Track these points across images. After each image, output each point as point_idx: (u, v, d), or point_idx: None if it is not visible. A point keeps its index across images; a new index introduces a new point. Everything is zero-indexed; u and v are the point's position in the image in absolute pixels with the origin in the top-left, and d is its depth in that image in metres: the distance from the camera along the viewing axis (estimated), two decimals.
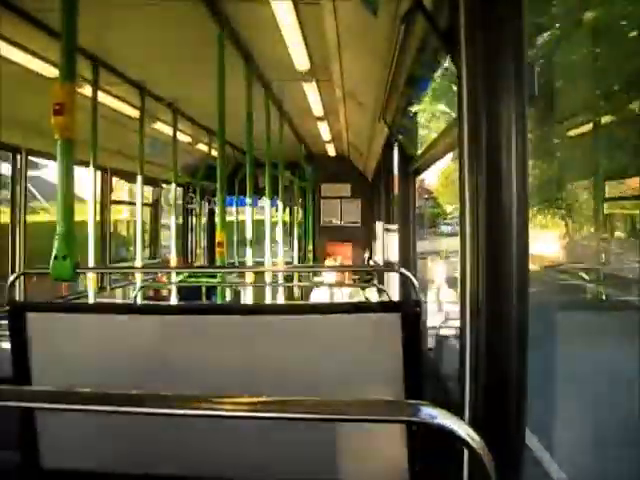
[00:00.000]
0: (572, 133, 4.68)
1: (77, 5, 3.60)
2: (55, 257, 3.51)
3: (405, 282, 3.83)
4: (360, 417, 1.18)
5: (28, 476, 2.66)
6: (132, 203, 10.65)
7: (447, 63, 3.53)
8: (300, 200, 15.26)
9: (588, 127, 4.38)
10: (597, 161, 4.68)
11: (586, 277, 5.31)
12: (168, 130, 8.87)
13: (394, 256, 6.69)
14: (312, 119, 9.38)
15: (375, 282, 8.82)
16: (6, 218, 7.01)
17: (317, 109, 8.60)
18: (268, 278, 8.09)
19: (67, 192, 3.57)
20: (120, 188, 11.09)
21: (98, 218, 8.10)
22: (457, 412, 1.34)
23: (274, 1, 4.54)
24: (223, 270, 6.79)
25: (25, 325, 2.67)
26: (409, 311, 2.49)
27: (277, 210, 10.96)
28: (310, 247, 14.97)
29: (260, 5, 4.67)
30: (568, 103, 4.33)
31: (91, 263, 6.59)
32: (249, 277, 7.44)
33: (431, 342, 4.69)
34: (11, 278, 3.08)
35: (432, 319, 5.23)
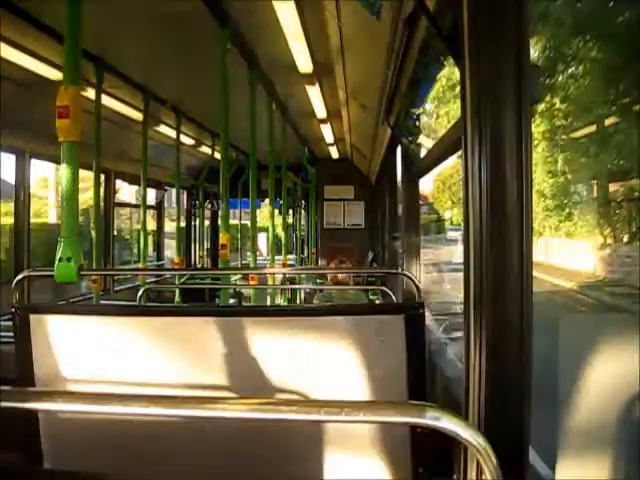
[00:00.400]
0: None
1: (81, 8, 3.61)
2: (59, 259, 3.51)
3: (409, 284, 3.83)
4: (365, 418, 1.19)
5: (31, 477, 2.66)
6: (136, 205, 10.67)
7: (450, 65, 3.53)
8: (303, 202, 15.26)
9: None
10: None
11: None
12: (171, 133, 8.88)
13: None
14: (315, 121, 9.38)
15: (379, 285, 8.81)
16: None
17: (320, 111, 8.60)
18: (271, 280, 8.09)
19: (72, 195, 3.58)
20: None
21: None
22: (460, 414, 1.35)
23: (278, 3, 4.54)
24: (226, 272, 6.79)
25: (29, 327, 2.68)
26: (412, 313, 2.50)
27: (280, 212, 10.96)
28: (313, 249, 14.97)
29: (264, 8, 4.68)
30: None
31: (94, 265, 6.60)
32: (252, 279, 7.44)
33: (435, 344, 4.69)
34: (16, 280, 3.09)
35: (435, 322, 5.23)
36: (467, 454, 1.81)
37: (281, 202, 10.53)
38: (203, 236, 14.15)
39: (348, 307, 4.08)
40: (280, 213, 10.73)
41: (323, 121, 9.36)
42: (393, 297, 5.21)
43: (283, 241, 10.14)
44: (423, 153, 5.43)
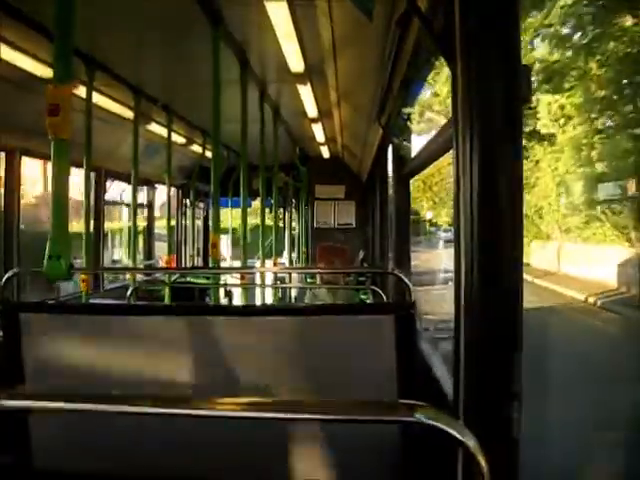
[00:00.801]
0: None
1: (72, 6, 3.60)
2: (49, 257, 3.50)
3: (399, 284, 3.83)
4: (356, 417, 1.19)
5: (21, 477, 2.65)
6: (126, 204, 10.64)
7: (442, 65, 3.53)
8: (294, 201, 15.26)
9: None
10: None
11: None
12: (162, 131, 8.87)
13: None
14: (307, 121, 9.38)
15: (369, 284, 8.82)
16: None
17: (312, 111, 8.60)
18: (261, 280, 8.09)
19: (61, 193, 3.57)
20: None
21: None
22: (450, 413, 1.35)
23: (269, 3, 4.54)
24: (217, 271, 6.78)
25: (18, 325, 2.67)
26: (403, 313, 2.50)
27: (271, 211, 10.96)
28: (304, 249, 14.97)
29: (255, 7, 4.67)
30: None
31: (84, 264, 6.58)
32: (243, 279, 7.44)
33: (425, 343, 4.69)
34: (4, 277, 3.07)
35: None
36: (457, 453, 1.81)
37: (272, 201, 10.53)
38: (194, 235, 14.13)
39: (338, 307, 4.09)
40: (271, 212, 10.73)
41: (314, 120, 9.37)
42: (384, 296, 5.21)
43: (273, 241, 10.13)
44: (414, 153, 5.44)
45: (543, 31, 15.57)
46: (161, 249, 12.03)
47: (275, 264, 10.01)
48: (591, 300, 13.61)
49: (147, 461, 2.52)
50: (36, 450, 2.64)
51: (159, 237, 12.69)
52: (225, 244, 16.14)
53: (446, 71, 2.07)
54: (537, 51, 16.43)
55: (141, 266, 10.95)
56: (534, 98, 15.23)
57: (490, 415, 1.85)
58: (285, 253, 15.13)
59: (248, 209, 7.58)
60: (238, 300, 8.83)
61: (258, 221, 9.93)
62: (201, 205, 14.00)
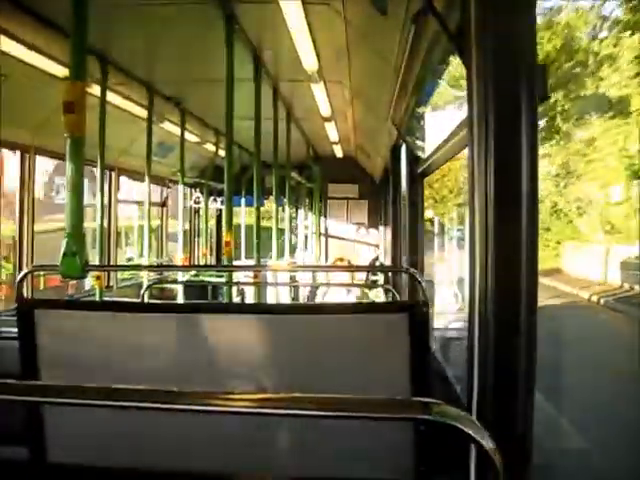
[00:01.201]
0: None
1: (87, 5, 3.61)
2: (64, 255, 3.51)
3: (413, 283, 3.83)
4: (371, 415, 1.19)
5: (35, 471, 2.67)
6: (140, 202, 10.67)
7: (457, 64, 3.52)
8: (307, 200, 15.26)
9: None
10: None
11: None
12: (176, 130, 8.89)
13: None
14: (320, 120, 9.38)
15: (382, 283, 8.81)
16: None
17: (325, 110, 8.60)
18: (275, 278, 8.10)
19: (77, 191, 3.58)
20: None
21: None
22: (464, 411, 1.34)
23: (283, 1, 4.54)
24: (230, 269, 6.80)
25: (33, 322, 2.68)
26: (417, 312, 2.49)
27: (283, 210, 10.96)
28: (316, 247, 14.97)
29: (269, 5, 4.68)
30: None
31: (98, 262, 6.62)
32: (256, 277, 7.45)
33: (438, 342, 4.68)
34: (20, 276, 3.09)
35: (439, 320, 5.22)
36: (470, 452, 1.81)
37: (285, 200, 10.54)
38: (207, 234, 14.15)
39: (352, 305, 4.09)
40: (284, 211, 10.74)
41: (328, 119, 9.36)
42: (397, 295, 5.21)
43: (287, 240, 10.14)
44: (428, 152, 5.43)
45: None
46: (174, 249, 12.06)
47: (288, 263, 10.02)
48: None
49: (160, 455, 2.52)
50: (50, 444, 2.66)
51: (171, 236, 12.73)
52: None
53: None
54: None
55: (155, 264, 10.98)
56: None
57: (504, 414, 1.85)
58: (298, 251, 15.14)
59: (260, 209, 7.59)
60: (251, 298, 8.84)
61: (269, 222, 9.95)
62: (214, 203, 14.02)
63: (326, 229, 15.07)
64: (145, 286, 5.47)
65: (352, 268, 12.48)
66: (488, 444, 1.11)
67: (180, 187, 9.74)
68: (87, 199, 4.09)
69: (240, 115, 5.61)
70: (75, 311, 2.82)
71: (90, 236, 6.76)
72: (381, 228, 13.25)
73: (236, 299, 9.47)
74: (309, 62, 6.11)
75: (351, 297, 10.36)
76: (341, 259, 14.27)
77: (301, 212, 15.68)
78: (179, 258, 9.68)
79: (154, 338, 2.66)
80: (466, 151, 2.16)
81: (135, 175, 9.87)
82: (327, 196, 14.94)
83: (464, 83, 2.11)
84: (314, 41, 5.46)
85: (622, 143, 15.46)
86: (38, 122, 6.46)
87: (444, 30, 2.58)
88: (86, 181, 3.92)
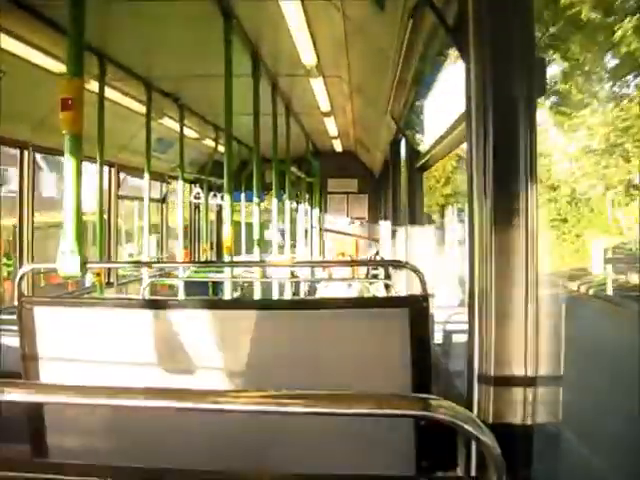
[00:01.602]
0: None
1: (84, 1, 3.60)
2: (63, 253, 3.50)
3: (413, 277, 3.82)
4: (371, 411, 1.19)
5: (37, 470, 2.67)
6: (140, 198, 10.66)
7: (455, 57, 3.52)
8: (307, 195, 15.24)
9: None
10: None
11: None
12: (175, 126, 8.88)
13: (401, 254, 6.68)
14: (319, 114, 9.37)
15: (382, 277, 8.81)
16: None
17: (324, 104, 8.59)
18: (275, 273, 8.09)
19: (75, 188, 3.57)
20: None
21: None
22: (465, 407, 1.34)
23: None
24: (230, 265, 6.79)
25: (34, 320, 2.68)
26: (417, 306, 2.49)
27: (284, 205, 10.95)
28: (317, 242, 14.97)
29: (267, 0, 4.67)
30: None
31: (98, 258, 6.61)
32: (256, 272, 7.45)
33: (439, 337, 4.69)
34: (19, 273, 3.09)
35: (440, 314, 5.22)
36: (471, 448, 1.81)
37: (284, 195, 10.53)
38: (207, 229, 14.14)
39: (352, 300, 4.08)
40: (284, 206, 10.73)
41: (327, 114, 9.35)
42: (397, 289, 5.21)
43: (287, 235, 10.14)
44: (427, 146, 5.42)
45: None
46: (175, 246, 12.06)
47: (288, 258, 10.01)
48: None
49: (161, 453, 2.53)
50: (52, 443, 2.66)
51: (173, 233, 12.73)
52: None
53: None
54: None
55: (155, 260, 10.97)
56: None
57: (505, 410, 1.85)
58: (298, 246, 15.13)
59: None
60: (251, 294, 8.84)
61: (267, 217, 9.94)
62: (214, 199, 14.00)
63: (322, 224, 15.05)
64: (145, 282, 5.47)
65: (352, 263, 12.47)
66: (488, 440, 1.11)
67: (180, 183, 9.73)
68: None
69: (239, 110, 5.60)
70: (75, 308, 2.82)
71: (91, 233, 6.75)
72: (381, 222, 13.24)
73: (236, 295, 9.47)
74: (308, 57, 6.10)
75: (353, 292, 10.36)
76: (343, 254, 14.28)
77: (301, 207, 15.67)
78: (179, 254, 9.67)
79: (155, 334, 2.66)
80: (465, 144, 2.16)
81: (135, 171, 9.86)
82: (327, 191, 14.93)
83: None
84: (312, 36, 5.45)
85: None
86: (37, 119, 6.45)
87: (442, 24, 2.57)
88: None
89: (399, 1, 3.80)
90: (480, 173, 1.93)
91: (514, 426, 1.82)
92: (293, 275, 9.38)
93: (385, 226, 11.63)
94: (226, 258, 6.00)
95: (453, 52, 3.05)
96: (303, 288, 11.85)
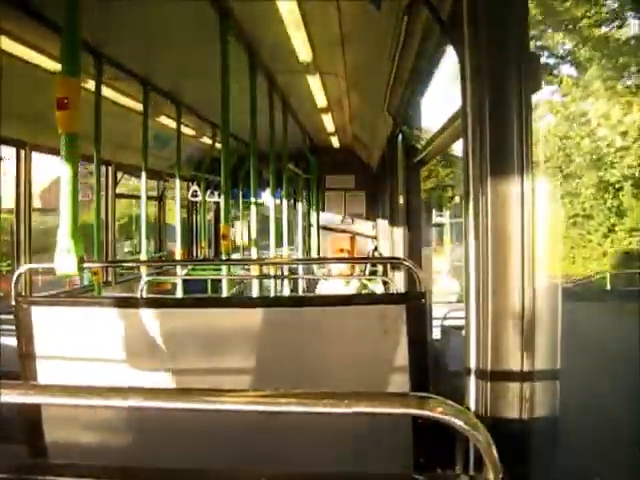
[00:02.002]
0: None
1: (80, 0, 3.60)
2: (60, 252, 3.50)
3: (410, 274, 3.83)
4: (367, 410, 1.19)
5: (35, 470, 2.67)
6: (137, 197, 10.65)
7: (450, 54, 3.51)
8: (304, 192, 15.24)
9: None
10: None
11: None
12: (172, 124, 8.87)
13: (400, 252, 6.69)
14: (316, 111, 9.36)
15: (380, 274, 8.82)
16: None
17: (321, 101, 8.58)
18: (273, 271, 8.09)
19: (71, 187, 3.57)
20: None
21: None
22: (462, 404, 1.35)
23: None
24: (228, 263, 6.79)
25: (31, 319, 2.68)
26: (414, 303, 2.49)
27: (281, 202, 10.94)
28: (315, 239, 14.96)
29: None
30: None
31: (95, 257, 6.61)
32: (254, 270, 7.45)
33: (437, 333, 4.69)
34: (17, 273, 3.09)
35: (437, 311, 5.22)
36: (469, 446, 1.81)
37: (282, 192, 10.52)
38: (205, 227, 14.15)
39: (349, 297, 4.09)
40: (281, 203, 10.72)
41: (324, 110, 9.33)
42: (395, 286, 5.21)
43: (285, 232, 10.13)
44: (424, 142, 5.42)
45: None
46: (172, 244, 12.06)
47: (286, 255, 10.01)
48: None
49: (160, 453, 2.53)
50: (50, 444, 2.66)
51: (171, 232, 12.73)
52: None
53: None
54: None
55: (152, 259, 10.97)
56: None
57: (502, 408, 1.85)
58: (296, 244, 15.13)
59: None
60: (249, 291, 8.85)
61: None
62: (212, 197, 14.00)
63: (319, 221, 15.03)
64: (143, 281, 5.47)
65: (349, 260, 12.47)
66: (485, 438, 1.11)
67: (177, 181, 9.72)
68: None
69: (236, 108, 5.59)
70: (73, 307, 2.82)
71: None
72: (379, 219, 13.24)
73: (234, 292, 9.46)
74: (304, 54, 6.10)
75: (350, 289, 10.36)
76: (342, 250, 14.25)
77: (299, 204, 15.65)
78: (177, 252, 9.67)
79: (153, 333, 2.66)
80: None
81: (132, 169, 9.85)
82: (325, 187, 14.92)
83: None
84: (309, 33, 5.44)
85: None
86: (34, 118, 6.44)
87: (436, 20, 2.57)
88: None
89: None
90: (476, 169, 1.93)
91: (511, 423, 1.83)
92: (291, 272, 9.39)
93: (383, 222, 11.63)
94: (224, 256, 6.00)
95: (449, 48, 3.05)
96: (301, 285, 11.85)
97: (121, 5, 4.87)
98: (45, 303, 2.82)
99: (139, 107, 7.73)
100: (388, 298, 3.18)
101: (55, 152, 5.71)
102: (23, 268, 3.85)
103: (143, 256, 8.35)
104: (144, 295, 5.27)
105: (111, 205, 9.43)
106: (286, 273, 8.96)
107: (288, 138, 9.30)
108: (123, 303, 2.97)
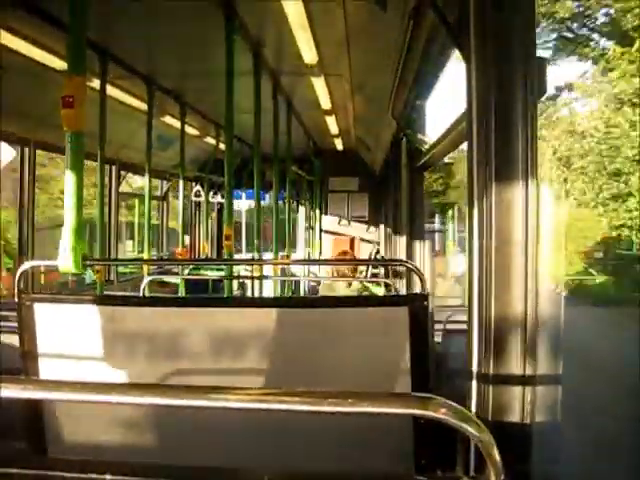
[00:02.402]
0: None
1: None
2: (63, 250, 3.51)
3: (413, 276, 3.83)
4: (368, 410, 1.19)
5: (36, 466, 2.67)
6: (140, 196, 10.67)
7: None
8: (307, 195, 15.24)
9: None
10: None
11: None
12: (176, 124, 8.88)
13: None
14: (320, 113, 9.36)
15: (382, 276, 8.82)
16: None
17: (325, 103, 8.58)
18: (275, 272, 8.10)
19: (76, 185, 3.57)
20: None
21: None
22: (464, 406, 1.35)
23: None
24: (230, 263, 6.80)
25: (34, 316, 2.69)
26: (417, 305, 2.50)
27: (284, 204, 10.95)
28: (317, 241, 14.96)
29: None
30: None
31: (98, 256, 6.62)
32: (256, 270, 7.46)
33: (439, 335, 4.68)
34: (20, 270, 3.09)
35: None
36: (470, 448, 1.81)
37: (285, 194, 10.52)
38: (207, 227, 14.14)
39: (352, 299, 4.09)
40: (285, 205, 10.73)
41: (328, 113, 9.33)
42: (397, 288, 5.21)
43: (288, 234, 10.13)
44: (428, 146, 5.42)
45: None
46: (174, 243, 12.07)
47: (289, 257, 10.02)
48: None
49: (160, 449, 2.53)
50: (51, 439, 2.66)
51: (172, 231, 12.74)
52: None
53: None
54: None
55: (155, 258, 10.98)
56: None
57: (504, 409, 1.85)
58: (299, 246, 15.13)
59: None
60: (251, 292, 8.85)
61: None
62: (215, 197, 14.01)
63: (322, 224, 15.02)
64: (145, 280, 5.47)
65: (351, 262, 12.45)
66: (486, 439, 1.11)
67: (180, 181, 9.74)
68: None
69: (240, 108, 5.59)
70: (75, 305, 2.82)
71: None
72: (382, 222, 13.23)
73: (236, 293, 9.47)
74: (309, 55, 6.10)
75: (353, 291, 10.35)
76: (345, 252, 14.24)
77: (302, 206, 15.65)
78: (179, 252, 9.68)
79: (154, 332, 2.66)
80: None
81: (136, 169, 9.87)
82: (328, 190, 14.92)
83: None
84: (314, 34, 5.44)
85: None
86: (38, 116, 6.45)
87: (443, 23, 2.57)
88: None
89: (401, 0, 3.80)
90: (481, 173, 1.93)
91: (513, 425, 1.83)
92: (293, 274, 9.39)
93: (385, 225, 11.62)
94: (226, 256, 6.00)
95: (455, 52, 3.05)
96: (303, 287, 11.85)
97: (126, 4, 4.88)
98: (47, 300, 2.82)
99: (143, 106, 7.74)
100: (391, 300, 3.19)
101: (60, 150, 5.72)
102: (26, 265, 3.85)
103: (146, 255, 8.36)
104: (146, 294, 5.27)
105: (114, 204, 9.44)
106: (288, 274, 8.96)
107: (292, 140, 9.31)
108: (125, 301, 2.98)
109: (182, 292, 8.54)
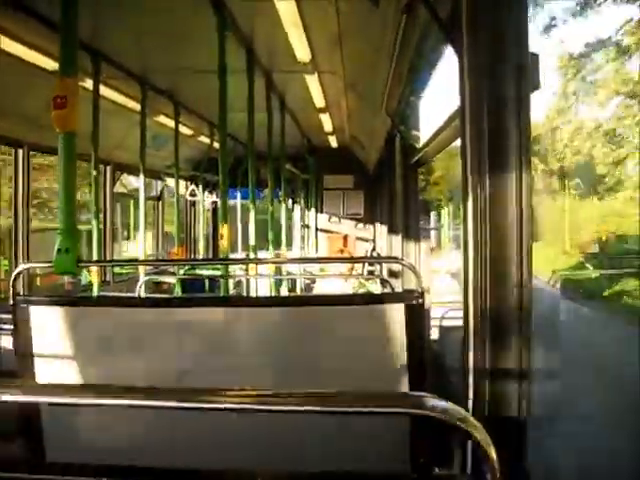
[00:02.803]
0: None
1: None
2: (58, 251, 3.50)
3: (408, 273, 3.83)
4: (365, 409, 1.18)
5: (33, 469, 2.67)
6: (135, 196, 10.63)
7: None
8: (302, 192, 15.24)
9: None
10: None
11: None
12: (170, 123, 8.86)
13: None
14: (314, 111, 9.35)
15: (378, 273, 8.82)
16: None
17: (319, 100, 8.57)
18: (271, 270, 8.09)
19: (69, 186, 3.56)
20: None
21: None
22: (460, 403, 1.35)
23: None
24: (226, 262, 6.79)
25: (29, 319, 2.68)
26: (413, 302, 2.49)
27: (280, 202, 10.94)
28: (313, 239, 14.96)
29: None
30: None
31: (94, 257, 6.61)
32: (252, 269, 7.45)
33: (435, 332, 4.69)
34: (15, 272, 3.08)
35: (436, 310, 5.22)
36: (467, 445, 1.81)
37: (280, 192, 10.51)
38: (203, 226, 14.13)
39: (348, 297, 4.09)
40: (280, 203, 10.72)
41: (322, 110, 9.33)
42: (393, 286, 5.20)
43: (283, 232, 10.12)
44: (422, 142, 5.42)
45: None
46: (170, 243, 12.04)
47: (284, 255, 10.01)
48: None
49: (158, 452, 2.52)
50: (48, 442, 2.66)
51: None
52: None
53: None
54: None
55: (150, 258, 10.96)
56: None
57: (499, 406, 1.85)
58: (294, 244, 15.12)
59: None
60: (247, 291, 8.84)
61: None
62: (210, 196, 13.99)
63: (317, 222, 15.02)
64: (141, 280, 5.46)
65: (347, 259, 12.47)
66: (482, 437, 1.11)
67: (175, 180, 9.72)
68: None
69: (234, 107, 5.59)
70: (71, 307, 2.81)
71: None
72: (377, 219, 13.23)
73: (232, 292, 9.46)
74: (302, 53, 6.09)
75: (348, 289, 10.36)
76: (342, 250, 14.25)
77: (297, 204, 15.65)
78: (174, 252, 9.67)
79: (151, 332, 2.66)
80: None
81: (130, 169, 9.85)
82: (323, 187, 14.91)
83: None
84: (307, 32, 5.44)
85: None
86: (32, 117, 6.43)
87: (435, 19, 2.57)
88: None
89: None
90: (474, 168, 1.93)
91: (509, 422, 1.83)
92: (288, 272, 9.38)
93: (380, 222, 11.63)
94: (222, 256, 5.99)
95: (448, 48, 3.04)
96: (299, 285, 11.85)
97: (117, 3, 4.87)
98: (43, 302, 2.81)
99: (137, 106, 7.72)
100: (386, 297, 3.18)
101: (54, 151, 5.71)
102: (21, 267, 3.84)
103: (141, 256, 8.35)
104: (142, 295, 5.26)
105: (109, 205, 9.42)
106: (284, 273, 8.95)
107: (286, 138, 9.30)
108: (121, 302, 2.97)
109: (178, 292, 8.53)
